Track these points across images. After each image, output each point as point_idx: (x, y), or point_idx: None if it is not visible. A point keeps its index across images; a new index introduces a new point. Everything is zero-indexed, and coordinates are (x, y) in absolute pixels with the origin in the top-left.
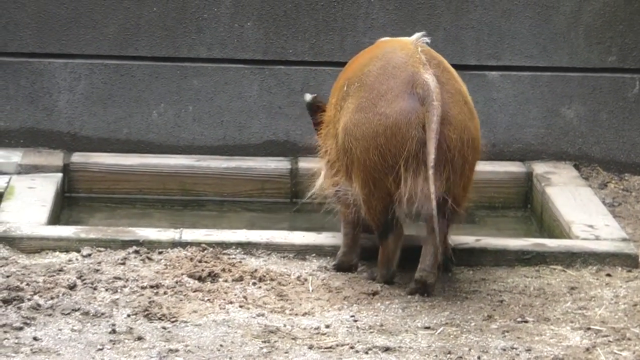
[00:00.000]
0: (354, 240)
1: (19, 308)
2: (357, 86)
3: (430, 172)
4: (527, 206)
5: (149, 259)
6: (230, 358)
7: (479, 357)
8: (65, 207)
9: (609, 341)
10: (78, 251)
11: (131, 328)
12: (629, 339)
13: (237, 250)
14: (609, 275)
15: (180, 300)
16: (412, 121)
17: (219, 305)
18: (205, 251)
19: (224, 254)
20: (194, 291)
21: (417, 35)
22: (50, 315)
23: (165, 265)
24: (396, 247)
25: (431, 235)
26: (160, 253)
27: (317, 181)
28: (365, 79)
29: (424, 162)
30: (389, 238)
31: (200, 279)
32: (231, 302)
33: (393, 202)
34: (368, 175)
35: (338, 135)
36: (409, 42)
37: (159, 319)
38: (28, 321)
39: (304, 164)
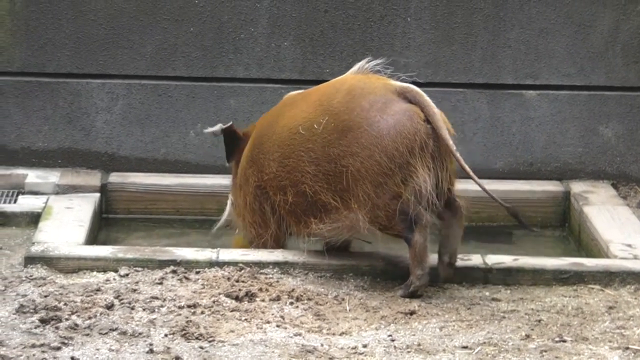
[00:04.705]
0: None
1: (57, 328)
2: (327, 120)
3: (458, 154)
4: (564, 225)
5: (187, 278)
6: None
7: None
8: (103, 227)
9: None
10: (115, 271)
11: (168, 348)
12: None
13: (274, 270)
14: None
15: (218, 319)
16: (413, 117)
17: (256, 324)
18: (243, 271)
19: (261, 273)
20: (231, 311)
21: (358, 65)
22: (87, 335)
23: (203, 284)
24: (425, 239)
25: (457, 223)
26: (197, 273)
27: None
28: (334, 110)
29: (431, 154)
30: (415, 233)
31: (237, 298)
32: (268, 322)
33: (401, 201)
34: (370, 185)
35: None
36: (348, 76)
37: (196, 338)
38: (66, 341)
39: None
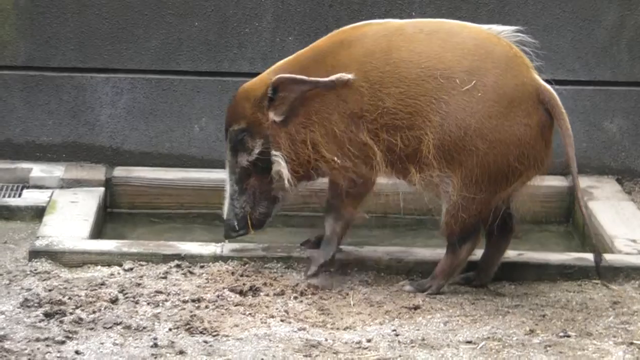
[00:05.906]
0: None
1: (61, 322)
2: (474, 85)
3: (578, 180)
4: (569, 220)
5: (191, 273)
6: None
7: None
8: (107, 221)
9: None
10: (120, 265)
11: (173, 342)
12: None
13: (279, 264)
14: None
15: (222, 314)
16: (544, 133)
17: (261, 319)
18: (247, 265)
19: (266, 267)
20: (236, 305)
21: (503, 27)
22: (92, 329)
23: (207, 279)
24: (467, 257)
25: (502, 248)
26: (201, 267)
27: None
28: (482, 79)
29: (538, 170)
30: (465, 247)
31: (241, 293)
32: (272, 316)
33: (491, 209)
34: (486, 177)
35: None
36: (490, 34)
37: (201, 332)
38: (70, 335)
39: None
